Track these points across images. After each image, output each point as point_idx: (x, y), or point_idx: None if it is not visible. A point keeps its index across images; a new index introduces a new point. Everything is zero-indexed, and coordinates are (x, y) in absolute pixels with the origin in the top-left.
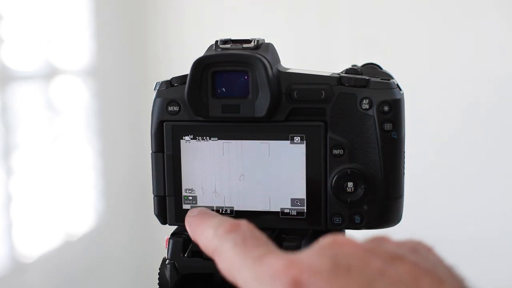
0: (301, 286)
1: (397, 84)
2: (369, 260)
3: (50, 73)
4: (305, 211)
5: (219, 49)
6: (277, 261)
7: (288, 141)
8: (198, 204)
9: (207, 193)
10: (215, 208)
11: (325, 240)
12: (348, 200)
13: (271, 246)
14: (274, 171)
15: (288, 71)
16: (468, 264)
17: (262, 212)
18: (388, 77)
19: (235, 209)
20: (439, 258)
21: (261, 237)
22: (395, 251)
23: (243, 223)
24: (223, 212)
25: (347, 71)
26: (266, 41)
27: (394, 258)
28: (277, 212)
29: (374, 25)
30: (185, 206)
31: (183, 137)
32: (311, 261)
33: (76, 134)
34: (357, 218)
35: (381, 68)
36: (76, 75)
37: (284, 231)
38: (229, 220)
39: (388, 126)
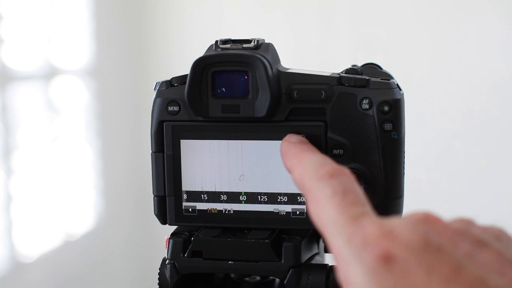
0: (391, 258)
1: (397, 84)
2: (458, 242)
3: (50, 73)
4: (305, 211)
5: (219, 49)
6: (372, 226)
7: None
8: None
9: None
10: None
11: (418, 215)
12: None
13: (367, 205)
14: (274, 171)
15: (288, 71)
16: None
17: (262, 212)
18: (388, 77)
19: (235, 209)
20: None
21: (360, 192)
22: (481, 236)
23: (346, 172)
24: (223, 212)
25: (347, 71)
26: (266, 41)
27: (480, 243)
28: (277, 212)
29: (374, 25)
30: (185, 206)
31: (183, 137)
32: (404, 234)
33: (76, 134)
34: None
35: (381, 68)
36: (76, 75)
37: (284, 231)
38: (332, 163)
39: (388, 126)
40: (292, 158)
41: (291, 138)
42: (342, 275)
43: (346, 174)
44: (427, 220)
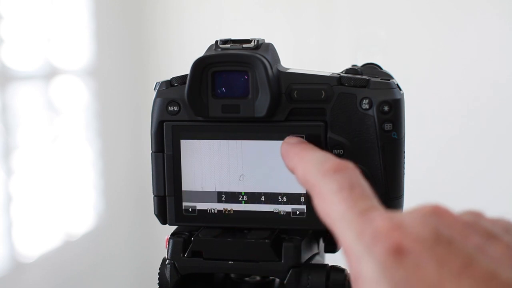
0: (402, 251)
1: (397, 84)
2: (468, 235)
3: (50, 73)
4: (305, 211)
5: (219, 49)
6: (382, 220)
7: None
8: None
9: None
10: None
11: (427, 208)
12: None
13: (375, 199)
14: (274, 171)
15: (288, 71)
16: None
17: (262, 212)
18: (388, 77)
19: (235, 209)
20: None
21: (366, 186)
22: (491, 228)
23: (350, 166)
24: (223, 212)
25: (347, 71)
26: (266, 41)
27: (490, 236)
28: (277, 212)
29: (374, 25)
30: (185, 206)
31: (183, 137)
32: (414, 227)
33: (76, 134)
34: None
35: (381, 68)
36: (76, 75)
37: (284, 231)
38: (335, 159)
39: (388, 126)
40: (293, 157)
41: (290, 139)
42: (353, 270)
43: (351, 168)
44: (437, 213)
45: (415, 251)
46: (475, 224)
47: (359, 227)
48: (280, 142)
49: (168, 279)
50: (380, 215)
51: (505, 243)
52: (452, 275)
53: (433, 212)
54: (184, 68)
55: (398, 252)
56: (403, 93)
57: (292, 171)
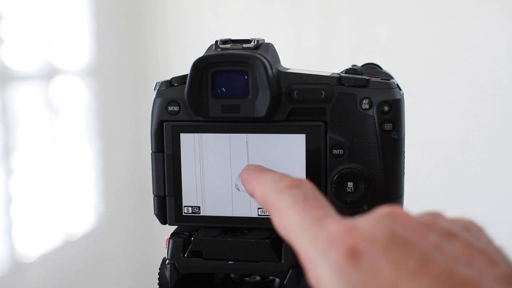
0: (357, 254)
1: (397, 84)
2: (425, 235)
3: (50, 73)
4: None
5: (219, 49)
6: (336, 225)
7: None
8: (198, 204)
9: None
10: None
11: (382, 210)
12: (348, 200)
13: (330, 208)
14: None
15: (288, 71)
16: None
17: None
18: (388, 77)
19: (235, 209)
20: (489, 239)
21: (321, 198)
22: (449, 227)
23: (305, 182)
24: (223, 212)
25: (347, 71)
26: (266, 41)
27: (448, 234)
28: None
29: (374, 25)
30: (185, 206)
31: (183, 137)
32: (369, 229)
33: (76, 134)
34: None
35: (381, 68)
36: (76, 75)
37: None
38: (290, 176)
39: (388, 126)
40: (252, 181)
41: (249, 166)
42: (312, 277)
43: (305, 184)
44: (392, 215)
45: (370, 253)
46: (432, 224)
47: (314, 233)
48: (280, 142)
49: (168, 279)
50: (335, 221)
51: (465, 241)
52: (409, 275)
53: (389, 214)
54: (184, 68)
55: (353, 255)
56: (403, 93)
57: (252, 194)
